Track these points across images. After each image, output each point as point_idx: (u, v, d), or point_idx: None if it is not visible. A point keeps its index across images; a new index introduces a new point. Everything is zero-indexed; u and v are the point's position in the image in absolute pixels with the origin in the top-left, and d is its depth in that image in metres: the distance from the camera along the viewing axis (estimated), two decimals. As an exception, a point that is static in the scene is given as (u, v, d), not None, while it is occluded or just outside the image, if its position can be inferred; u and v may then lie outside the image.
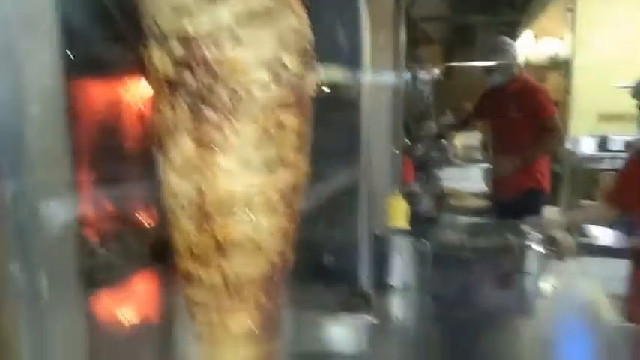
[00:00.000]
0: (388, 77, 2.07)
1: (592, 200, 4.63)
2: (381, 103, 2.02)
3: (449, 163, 4.21)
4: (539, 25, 6.07)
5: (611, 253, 2.69)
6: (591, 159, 4.62)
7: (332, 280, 1.49)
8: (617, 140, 4.44)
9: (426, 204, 2.92)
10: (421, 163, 3.62)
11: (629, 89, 2.42)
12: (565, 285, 1.84)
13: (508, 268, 1.78)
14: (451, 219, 2.72)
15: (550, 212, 5.16)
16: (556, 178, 5.79)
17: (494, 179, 3.27)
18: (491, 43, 3.23)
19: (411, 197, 2.05)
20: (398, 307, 1.66)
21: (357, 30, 1.42)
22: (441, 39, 6.33)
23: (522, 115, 2.95)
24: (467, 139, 4.35)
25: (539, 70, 6.28)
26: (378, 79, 1.94)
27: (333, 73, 1.43)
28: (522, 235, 1.85)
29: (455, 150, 4.36)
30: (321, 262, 1.55)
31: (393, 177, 2.02)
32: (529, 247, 1.79)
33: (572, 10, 4.73)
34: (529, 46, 6.18)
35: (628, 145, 4.14)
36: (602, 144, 4.61)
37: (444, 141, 4.24)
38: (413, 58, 3.86)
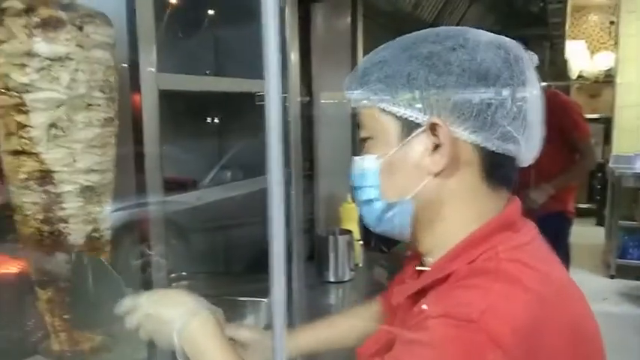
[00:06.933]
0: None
1: (632, 220, 4.48)
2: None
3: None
4: (592, 37, 5.92)
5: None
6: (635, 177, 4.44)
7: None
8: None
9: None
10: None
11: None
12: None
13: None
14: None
15: (596, 232, 5.05)
16: (600, 197, 5.60)
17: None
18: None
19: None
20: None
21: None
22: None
23: (551, 136, 2.81)
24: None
25: (593, 86, 6.11)
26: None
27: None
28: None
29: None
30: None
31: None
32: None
33: (614, 23, 4.59)
34: (583, 60, 6.04)
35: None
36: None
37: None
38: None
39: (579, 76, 6.05)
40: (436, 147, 0.67)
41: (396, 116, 0.69)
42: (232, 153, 1.75)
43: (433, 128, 0.67)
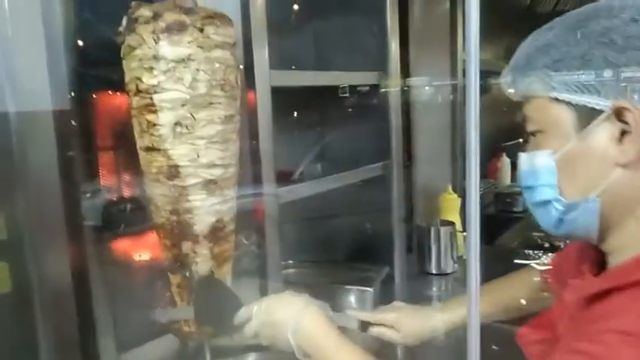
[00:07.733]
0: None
1: None
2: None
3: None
4: None
5: None
6: None
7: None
8: None
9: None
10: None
11: None
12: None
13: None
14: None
15: None
16: None
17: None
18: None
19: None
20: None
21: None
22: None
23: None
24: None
25: None
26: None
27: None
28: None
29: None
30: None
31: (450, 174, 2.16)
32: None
33: None
34: None
35: None
36: None
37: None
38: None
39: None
40: (624, 134, 0.60)
41: (571, 104, 0.62)
42: (326, 145, 1.77)
43: (619, 113, 0.59)
